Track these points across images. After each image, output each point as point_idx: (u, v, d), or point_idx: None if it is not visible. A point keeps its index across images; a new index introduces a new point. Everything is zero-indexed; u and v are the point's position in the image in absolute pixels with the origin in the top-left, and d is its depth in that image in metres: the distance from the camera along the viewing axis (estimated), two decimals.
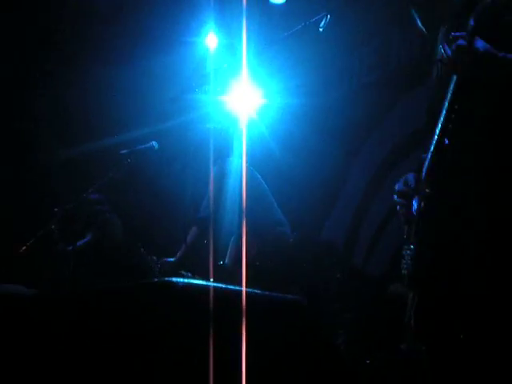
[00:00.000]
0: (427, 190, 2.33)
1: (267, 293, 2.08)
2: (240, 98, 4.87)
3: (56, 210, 4.66)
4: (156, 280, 2.05)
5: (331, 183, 5.70)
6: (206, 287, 1.86)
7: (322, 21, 3.89)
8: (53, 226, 4.64)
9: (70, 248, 4.72)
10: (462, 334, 2.25)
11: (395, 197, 2.50)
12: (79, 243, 4.92)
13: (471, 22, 2.28)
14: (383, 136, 5.30)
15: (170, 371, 1.81)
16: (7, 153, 5.81)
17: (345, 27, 5.29)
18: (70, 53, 6.03)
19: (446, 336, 2.30)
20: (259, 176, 4.91)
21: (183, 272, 4.64)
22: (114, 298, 2.09)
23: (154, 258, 4.75)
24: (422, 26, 2.69)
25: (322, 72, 5.64)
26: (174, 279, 1.93)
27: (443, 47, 2.40)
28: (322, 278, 4.93)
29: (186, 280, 1.91)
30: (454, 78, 2.34)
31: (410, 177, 2.48)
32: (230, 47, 5.38)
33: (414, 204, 2.39)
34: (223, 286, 1.97)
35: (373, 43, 5.29)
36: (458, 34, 2.32)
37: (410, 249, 2.30)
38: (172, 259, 4.80)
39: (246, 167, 4.68)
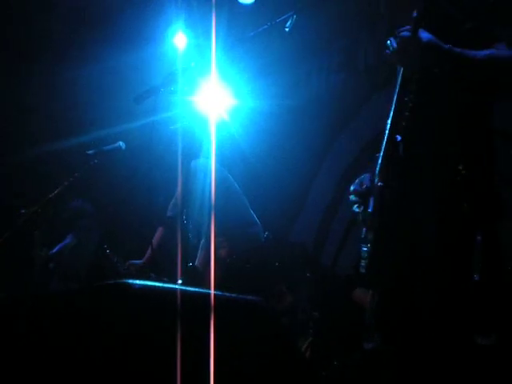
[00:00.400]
0: (379, 184, 2.33)
1: (225, 294, 2.05)
2: (209, 98, 4.84)
3: (23, 211, 4.62)
4: (112, 282, 2.01)
5: (301, 184, 5.70)
6: (163, 289, 1.83)
7: (288, 21, 3.86)
8: (35, 231, 4.64)
9: (50, 252, 4.72)
10: (420, 329, 2.26)
11: (351, 197, 2.50)
12: (59, 246, 4.91)
13: (414, 14, 2.29)
14: (352, 136, 5.32)
15: (123, 375, 1.78)
16: None
17: (313, 27, 5.30)
18: (33, 51, 5.97)
19: (406, 332, 2.30)
20: (230, 176, 4.88)
21: (151, 274, 4.61)
22: (69, 301, 2.06)
23: (120, 260, 4.71)
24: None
25: (291, 72, 5.63)
26: (130, 281, 1.90)
27: (390, 41, 2.41)
28: (292, 277, 4.93)
29: (142, 282, 1.88)
30: (401, 70, 2.35)
31: (366, 177, 2.49)
32: (198, 46, 5.35)
33: (370, 203, 2.39)
34: (180, 287, 1.95)
35: (341, 42, 5.30)
36: (403, 28, 2.34)
37: (367, 247, 2.30)
38: (139, 261, 4.76)
39: (218, 168, 4.65)
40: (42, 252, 4.80)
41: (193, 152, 4.84)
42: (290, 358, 2.32)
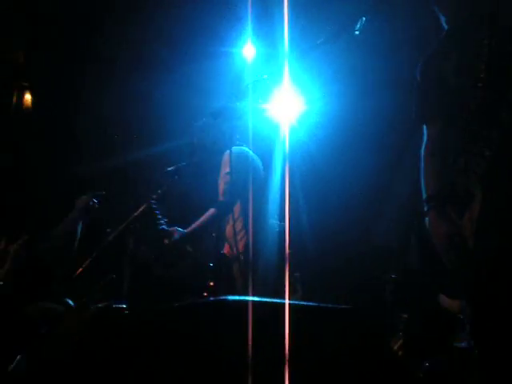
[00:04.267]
0: None
1: (318, 304, 2.08)
2: (281, 107, 4.88)
3: (108, 230, 4.77)
4: (212, 299, 2.07)
5: (372, 190, 5.65)
6: (258, 303, 1.87)
7: (357, 23, 3.85)
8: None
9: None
10: None
11: None
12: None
13: None
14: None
15: None
16: (48, 166, 5.91)
17: (383, 30, 5.25)
18: (108, 64, 6.12)
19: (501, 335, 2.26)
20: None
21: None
22: (172, 317, 2.13)
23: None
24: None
25: (362, 77, 5.59)
26: (228, 297, 1.96)
27: None
28: (378, 279, 4.90)
29: (237, 297, 1.93)
30: None
31: None
32: (268, 57, 5.39)
33: None
34: (271, 300, 1.99)
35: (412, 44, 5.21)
36: None
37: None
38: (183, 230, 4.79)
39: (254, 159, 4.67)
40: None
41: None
42: (385, 361, 2.33)
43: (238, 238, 4.57)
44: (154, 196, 4.66)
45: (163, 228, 4.70)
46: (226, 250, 4.70)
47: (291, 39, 4.67)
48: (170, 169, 4.80)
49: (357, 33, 4.11)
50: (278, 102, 4.96)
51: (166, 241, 4.67)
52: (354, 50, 5.00)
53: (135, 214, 4.58)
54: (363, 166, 5.62)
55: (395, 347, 4.29)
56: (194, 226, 4.73)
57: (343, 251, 5.63)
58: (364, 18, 4.07)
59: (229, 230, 4.59)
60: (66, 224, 4.79)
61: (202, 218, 4.69)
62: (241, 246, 4.56)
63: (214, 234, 4.54)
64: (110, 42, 6.13)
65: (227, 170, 4.51)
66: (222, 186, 4.68)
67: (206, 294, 4.14)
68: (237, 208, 4.62)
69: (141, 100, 6.21)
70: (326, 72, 5.44)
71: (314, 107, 5.36)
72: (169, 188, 4.79)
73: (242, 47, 5.64)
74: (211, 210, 4.66)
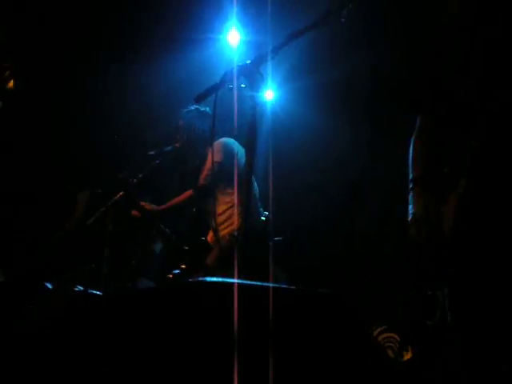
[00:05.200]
0: None
1: (299, 288, 2.07)
2: (265, 93, 4.88)
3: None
4: (190, 280, 2.05)
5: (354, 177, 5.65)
6: (235, 285, 1.86)
7: (343, 10, 3.83)
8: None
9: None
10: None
11: None
12: None
13: None
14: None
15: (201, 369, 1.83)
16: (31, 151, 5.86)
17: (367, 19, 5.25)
18: (95, 51, 6.08)
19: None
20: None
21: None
22: (148, 299, 2.11)
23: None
24: None
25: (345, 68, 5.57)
26: (207, 278, 1.94)
27: None
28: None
29: (215, 279, 1.92)
30: None
31: None
32: (251, 43, 5.37)
33: None
34: (250, 282, 1.98)
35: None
36: None
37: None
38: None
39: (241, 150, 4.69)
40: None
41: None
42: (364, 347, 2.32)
43: (223, 227, 4.58)
44: (135, 180, 4.64)
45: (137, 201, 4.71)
46: (209, 237, 4.71)
47: (275, 26, 4.66)
48: (151, 152, 4.78)
49: (343, 20, 4.10)
50: (264, 89, 4.94)
51: (136, 213, 4.69)
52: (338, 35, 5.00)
53: (115, 198, 4.55)
54: (344, 153, 5.63)
55: (376, 333, 4.31)
56: (168, 204, 4.77)
57: (327, 238, 5.63)
58: (350, 6, 4.07)
59: (216, 219, 4.61)
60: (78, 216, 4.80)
61: (178, 198, 4.73)
62: (225, 233, 4.57)
63: (194, 209, 4.56)
64: (97, 31, 6.08)
65: (218, 159, 4.52)
66: (205, 172, 4.68)
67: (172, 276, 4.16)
68: (224, 198, 4.64)
69: (126, 87, 6.18)
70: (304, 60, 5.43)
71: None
72: (150, 172, 4.77)
73: (226, 34, 5.61)
74: (188, 192, 4.70)
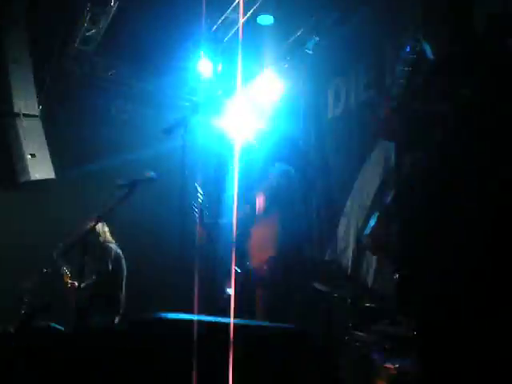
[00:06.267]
0: None
1: (260, 323, 2.04)
2: (236, 124, 4.87)
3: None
4: (148, 316, 2.02)
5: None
6: (193, 321, 1.83)
7: (309, 42, 3.88)
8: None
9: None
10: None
11: None
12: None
13: None
14: (379, 158, 5.19)
15: None
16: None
17: (336, 46, 5.26)
18: (68, 81, 6.04)
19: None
20: None
21: None
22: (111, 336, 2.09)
23: None
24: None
25: (319, 92, 5.59)
26: (163, 315, 1.92)
27: None
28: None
29: (174, 315, 1.89)
30: None
31: None
32: (222, 75, 5.38)
33: None
34: (210, 318, 1.96)
35: (367, 60, 5.22)
36: None
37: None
38: None
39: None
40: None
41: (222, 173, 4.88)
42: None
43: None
44: (104, 210, 4.57)
45: None
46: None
47: (245, 56, 4.68)
48: (120, 183, 4.71)
49: (309, 52, 4.14)
50: (232, 118, 4.95)
51: None
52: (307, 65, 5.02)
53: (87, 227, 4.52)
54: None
55: (345, 368, 4.27)
56: None
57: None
58: (317, 38, 4.12)
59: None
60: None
61: None
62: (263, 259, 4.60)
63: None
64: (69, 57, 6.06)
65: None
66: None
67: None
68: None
69: (95, 113, 6.15)
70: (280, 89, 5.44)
71: (270, 125, 5.37)
72: (118, 202, 4.70)
73: (196, 63, 5.61)
74: None
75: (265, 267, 4.52)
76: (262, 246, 4.65)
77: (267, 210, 4.66)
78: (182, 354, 1.90)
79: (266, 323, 2.15)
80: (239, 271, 4.59)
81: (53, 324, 3.53)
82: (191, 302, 2.72)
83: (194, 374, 1.84)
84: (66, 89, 6.06)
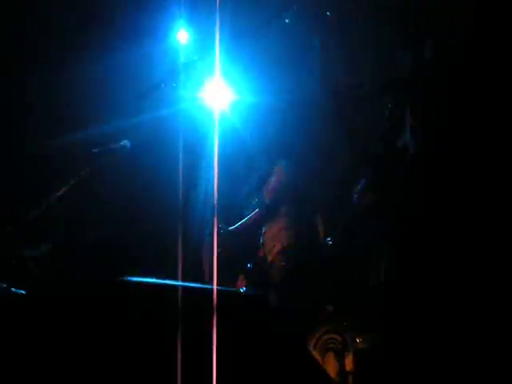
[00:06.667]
0: None
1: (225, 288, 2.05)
2: (212, 93, 4.84)
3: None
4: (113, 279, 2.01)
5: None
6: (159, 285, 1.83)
7: (288, 11, 3.86)
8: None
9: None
10: None
11: None
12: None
13: None
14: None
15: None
16: None
17: (316, 22, 5.23)
18: (40, 47, 5.97)
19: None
20: None
21: None
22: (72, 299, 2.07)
23: None
24: None
25: (293, 68, 5.56)
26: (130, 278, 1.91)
27: None
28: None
29: (139, 279, 1.88)
30: None
31: None
32: (200, 42, 5.34)
33: None
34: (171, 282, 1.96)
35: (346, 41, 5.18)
36: None
37: None
38: None
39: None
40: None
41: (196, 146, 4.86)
42: (294, 355, 2.32)
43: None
44: (76, 178, 4.53)
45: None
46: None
47: (223, 26, 4.63)
48: (94, 150, 4.67)
49: (287, 21, 4.12)
50: (210, 89, 4.92)
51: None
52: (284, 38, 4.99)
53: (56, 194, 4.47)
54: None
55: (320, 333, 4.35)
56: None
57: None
58: (295, 7, 4.09)
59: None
60: None
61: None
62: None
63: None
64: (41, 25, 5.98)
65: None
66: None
67: None
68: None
69: (68, 87, 6.08)
70: (256, 62, 5.41)
71: (246, 97, 5.34)
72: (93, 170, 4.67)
73: (173, 31, 5.56)
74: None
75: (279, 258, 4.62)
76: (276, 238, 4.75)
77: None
78: (145, 319, 1.90)
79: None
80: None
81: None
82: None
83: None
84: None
